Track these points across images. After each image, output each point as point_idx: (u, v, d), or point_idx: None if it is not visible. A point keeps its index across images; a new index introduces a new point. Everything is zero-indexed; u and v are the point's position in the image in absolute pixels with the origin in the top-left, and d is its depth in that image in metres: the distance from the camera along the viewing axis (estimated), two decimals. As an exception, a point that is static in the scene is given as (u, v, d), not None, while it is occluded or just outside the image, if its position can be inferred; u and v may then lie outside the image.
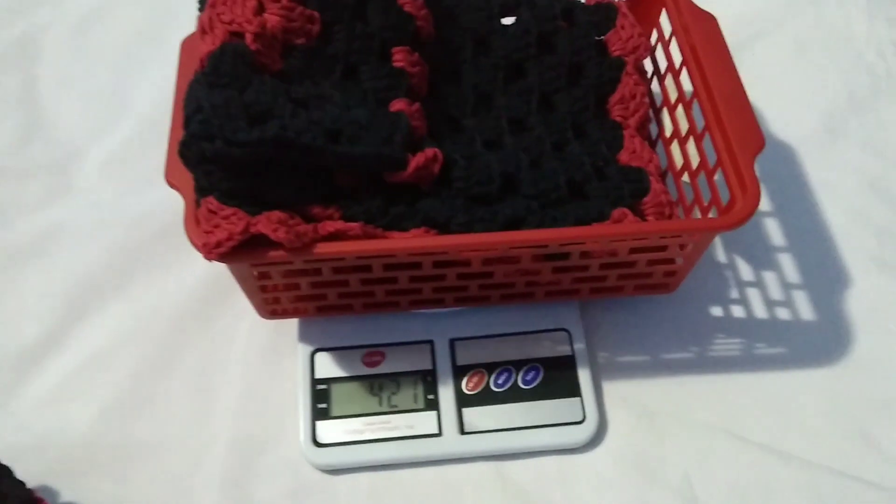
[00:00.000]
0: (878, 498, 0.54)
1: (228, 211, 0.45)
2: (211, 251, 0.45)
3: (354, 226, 0.47)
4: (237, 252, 0.45)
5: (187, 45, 0.55)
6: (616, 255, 0.52)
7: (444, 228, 0.49)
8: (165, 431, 0.57)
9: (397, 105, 0.51)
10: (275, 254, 0.45)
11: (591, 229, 0.49)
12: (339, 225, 0.47)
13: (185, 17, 0.59)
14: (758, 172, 0.50)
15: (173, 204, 0.48)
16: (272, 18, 0.49)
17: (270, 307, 0.55)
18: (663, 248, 0.52)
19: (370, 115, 0.48)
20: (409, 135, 0.49)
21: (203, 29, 0.48)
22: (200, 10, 0.52)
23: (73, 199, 0.68)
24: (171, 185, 0.49)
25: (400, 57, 0.53)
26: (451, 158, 0.51)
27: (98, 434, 0.56)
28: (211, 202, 0.45)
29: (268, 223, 0.44)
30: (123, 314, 0.62)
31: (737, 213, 0.48)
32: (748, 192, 0.49)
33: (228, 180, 0.45)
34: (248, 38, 0.48)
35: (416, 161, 0.48)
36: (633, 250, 0.52)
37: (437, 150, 0.49)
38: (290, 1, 0.50)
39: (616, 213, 0.51)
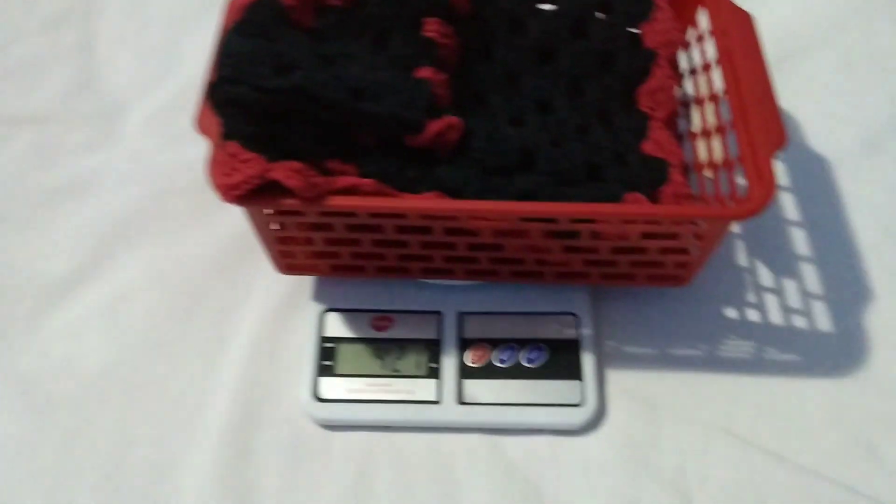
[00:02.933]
0: (874, 511, 0.53)
1: (248, 155, 0.46)
2: (228, 192, 0.46)
3: (368, 182, 0.48)
4: (253, 196, 0.47)
5: (233, 6, 0.58)
6: (627, 238, 0.52)
7: (456, 195, 0.50)
8: (175, 373, 0.59)
9: (423, 72, 0.52)
10: (288, 201, 0.47)
11: (601, 206, 0.49)
12: (354, 180, 0.48)
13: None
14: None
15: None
16: (310, -23, 0.50)
17: (286, 261, 0.57)
18: (675, 236, 0.52)
19: (394, 77, 0.50)
20: (430, 101, 0.50)
21: (241, -14, 0.50)
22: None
23: (114, 148, 0.71)
24: (201, 132, 0.51)
25: (432, 27, 0.54)
26: (472, 130, 0.52)
27: (112, 369, 0.59)
28: (232, 146, 0.47)
29: (284, 170, 0.46)
30: (150, 259, 0.64)
31: (751, 203, 0.48)
32: (764, 183, 0.49)
33: (251, 125, 0.47)
34: (284, -7, 0.49)
35: (434, 126, 0.49)
36: (645, 235, 0.52)
37: (457, 118, 0.50)
38: (328, -38, 0.51)
39: (629, 196, 0.51)
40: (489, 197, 0.50)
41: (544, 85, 0.59)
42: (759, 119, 0.52)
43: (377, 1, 0.53)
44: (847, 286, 0.63)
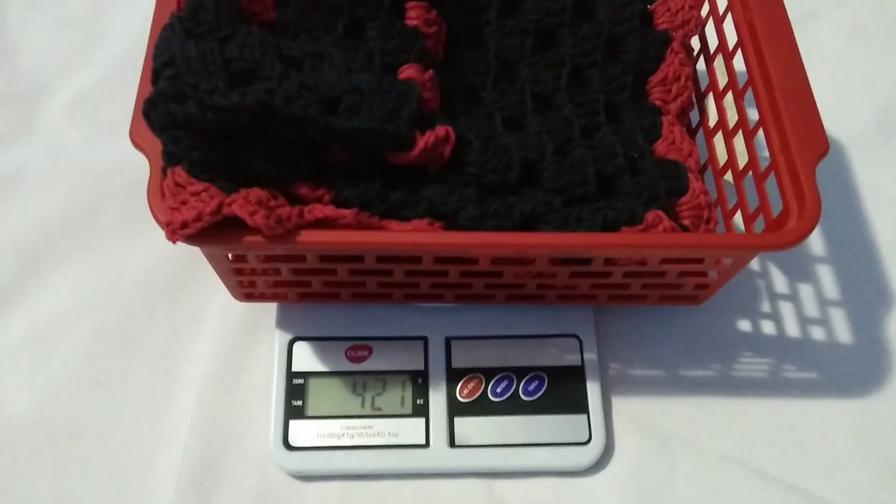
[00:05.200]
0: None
1: (199, 186, 0.38)
2: (176, 232, 0.38)
3: (347, 213, 0.40)
4: (207, 234, 0.38)
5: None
6: (645, 264, 0.46)
7: (450, 220, 0.42)
8: (119, 416, 0.51)
9: (408, 72, 0.43)
10: (251, 239, 0.39)
11: (619, 238, 0.42)
12: (329, 211, 0.39)
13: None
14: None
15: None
16: (266, -43, 0.41)
17: (246, 290, 0.49)
18: (699, 261, 0.46)
19: (375, 81, 0.41)
20: (418, 109, 0.42)
21: (183, -35, 0.40)
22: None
23: (34, 141, 0.60)
24: (136, 146, 0.42)
25: (415, 14, 0.45)
26: (464, 139, 0.43)
27: (42, 414, 0.50)
28: (179, 173, 0.38)
29: (244, 204, 0.38)
30: (82, 278, 0.55)
31: (791, 232, 0.41)
32: (806, 207, 0.42)
33: (201, 149, 0.38)
34: (236, -21, 0.40)
35: (424, 141, 0.41)
36: (665, 260, 0.45)
37: (449, 128, 0.42)
38: (288, -64, 0.42)
39: (650, 215, 0.44)
40: (488, 222, 0.42)
41: (544, 76, 0.51)
42: (795, 119, 0.45)
43: (348, -17, 0.44)
44: (866, 290, 0.58)
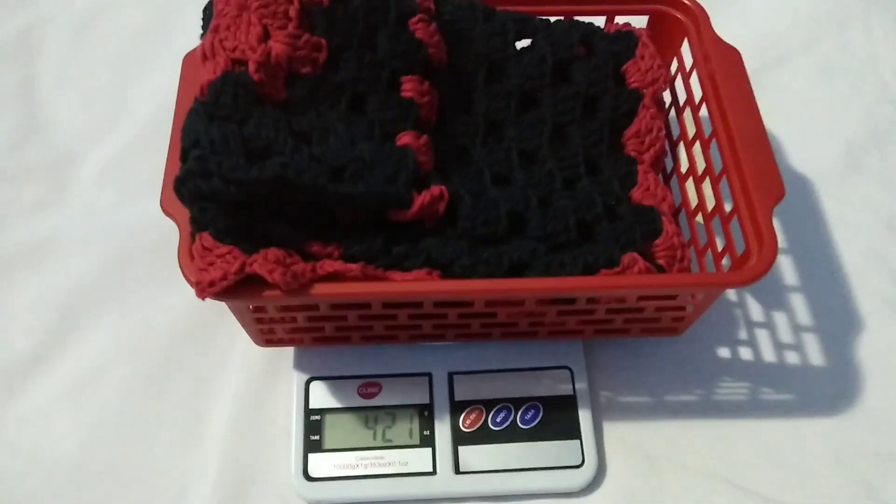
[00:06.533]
0: (879, 559, 0.53)
1: (224, 249, 0.43)
2: (205, 290, 0.43)
3: (354, 267, 0.45)
4: (231, 291, 0.43)
5: (189, 60, 0.54)
6: (624, 301, 0.51)
7: (446, 269, 0.47)
8: (154, 456, 0.55)
9: (404, 139, 0.49)
10: (270, 293, 0.44)
11: (597, 280, 0.47)
12: (338, 265, 0.45)
13: (191, 17, 0.57)
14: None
15: (174, 216, 0.47)
16: (277, 46, 0.46)
17: (266, 336, 0.54)
18: (673, 297, 0.50)
19: (375, 149, 0.47)
20: (414, 171, 0.47)
21: (205, 54, 0.46)
22: (204, 30, 0.50)
23: (68, 206, 0.66)
24: (167, 214, 0.47)
25: (409, 86, 0.51)
26: (457, 195, 0.49)
27: (85, 456, 0.55)
28: (206, 238, 0.44)
29: (264, 263, 0.43)
30: (116, 330, 0.60)
31: (750, 270, 0.46)
32: (764, 247, 0.47)
33: (225, 217, 0.43)
34: (252, 67, 0.46)
35: (421, 200, 0.46)
36: (642, 298, 0.50)
37: (443, 188, 0.48)
38: (297, 28, 0.47)
39: (626, 258, 0.49)
40: (481, 269, 0.47)
41: (528, 134, 0.56)
42: (753, 167, 0.50)
43: (350, 65, 0.49)
44: (836, 315, 0.63)
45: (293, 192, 0.43)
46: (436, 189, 0.47)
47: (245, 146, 0.43)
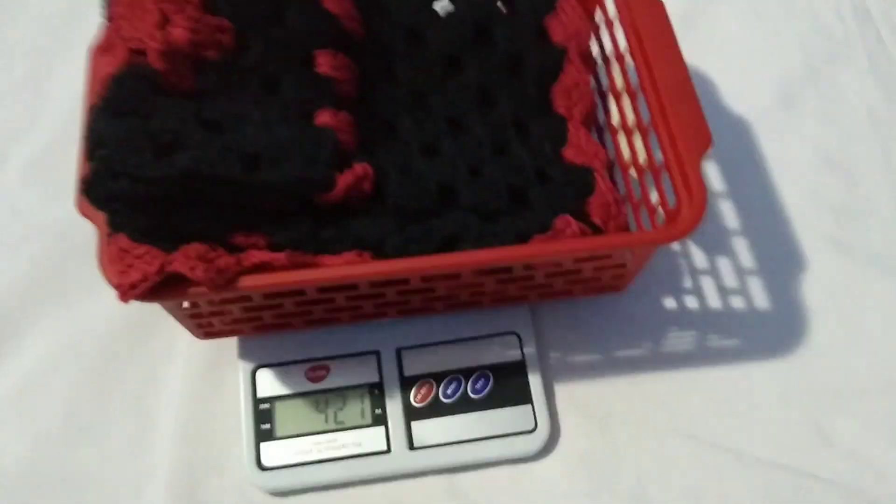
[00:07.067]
0: (832, 494, 0.54)
1: (141, 249, 0.42)
2: (126, 293, 0.42)
3: (280, 256, 0.44)
4: (155, 292, 0.42)
5: (96, 53, 0.51)
6: (561, 265, 0.50)
7: (377, 250, 0.46)
8: (104, 459, 0.55)
9: (323, 117, 0.47)
10: (196, 290, 0.43)
11: (527, 249, 0.46)
12: (264, 255, 0.44)
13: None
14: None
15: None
16: (177, 31, 0.44)
17: (204, 330, 0.53)
18: (608, 257, 0.50)
19: (292, 132, 0.45)
20: (335, 152, 0.46)
21: (103, 47, 0.44)
22: (105, 18, 0.47)
23: (-7, 206, 0.64)
24: (84, 216, 0.46)
25: (324, 61, 0.49)
26: (383, 171, 0.48)
27: (33, 465, 0.54)
28: (123, 240, 0.42)
29: (185, 261, 0.42)
30: (53, 334, 0.59)
31: (680, 225, 0.46)
32: (694, 200, 0.46)
33: (139, 217, 0.42)
34: (152, 56, 0.44)
35: (344, 181, 0.45)
36: (577, 260, 0.50)
37: (367, 166, 0.47)
38: (197, 10, 0.45)
39: (558, 222, 0.48)
40: (412, 247, 0.46)
41: (454, 101, 0.55)
42: (680, 118, 0.49)
43: (258, 44, 0.47)
44: (779, 256, 0.63)
45: (208, 185, 0.42)
46: (359, 168, 0.46)
47: (152, 141, 0.41)
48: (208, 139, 0.42)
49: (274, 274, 0.44)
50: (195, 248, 0.42)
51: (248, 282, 0.43)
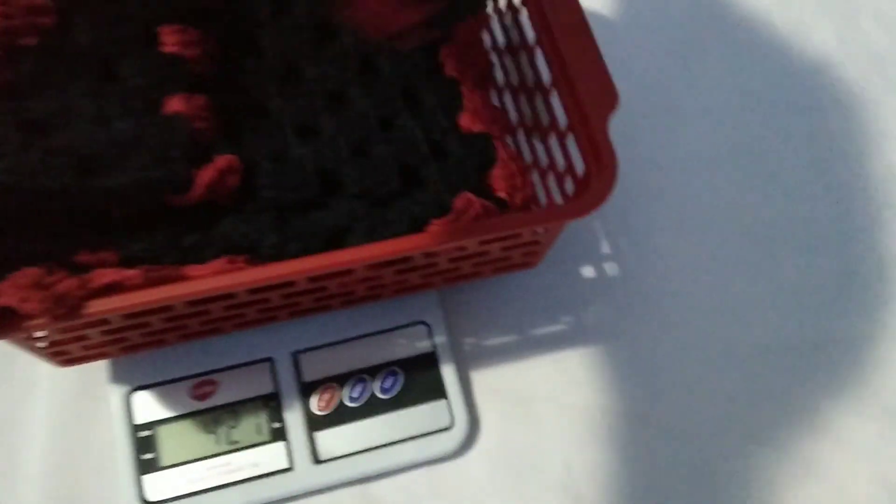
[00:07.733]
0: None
1: (-41, 283, 0.35)
2: (-56, 335, 0.35)
3: (133, 273, 0.37)
4: (-18, 330, 0.35)
5: None
6: (466, 248, 0.45)
7: (252, 252, 0.40)
8: (-37, 509, 0.47)
9: (173, 104, 0.40)
10: (33, 324, 0.36)
11: (423, 239, 0.41)
12: (114, 274, 0.37)
13: None
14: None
15: None
16: (-22, 15, 0.37)
17: (62, 358, 0.46)
18: (516, 236, 0.45)
19: (135, 126, 0.38)
20: (190, 143, 0.39)
21: None
22: None
23: None
24: None
25: (170, 38, 0.42)
26: (252, 161, 0.41)
27: None
28: (-65, 272, 0.35)
29: (14, 292, 0.35)
30: None
31: (590, 197, 0.41)
32: (604, 168, 0.42)
33: (-49, 244, 0.34)
34: (-53, 47, 0.36)
35: (204, 177, 0.39)
36: (483, 241, 0.45)
37: (231, 157, 0.40)
38: (3, -13, 0.37)
39: (458, 202, 0.43)
40: (293, 246, 0.40)
41: (331, 70, 0.48)
42: (582, 76, 0.44)
43: (86, 25, 0.40)
44: (699, 206, 0.59)
45: (33, 199, 0.35)
46: (222, 160, 0.40)
47: (-46, 152, 0.34)
48: (28, 144, 0.35)
49: (126, 295, 0.37)
50: (28, 273, 0.35)
51: (95, 307, 0.36)
